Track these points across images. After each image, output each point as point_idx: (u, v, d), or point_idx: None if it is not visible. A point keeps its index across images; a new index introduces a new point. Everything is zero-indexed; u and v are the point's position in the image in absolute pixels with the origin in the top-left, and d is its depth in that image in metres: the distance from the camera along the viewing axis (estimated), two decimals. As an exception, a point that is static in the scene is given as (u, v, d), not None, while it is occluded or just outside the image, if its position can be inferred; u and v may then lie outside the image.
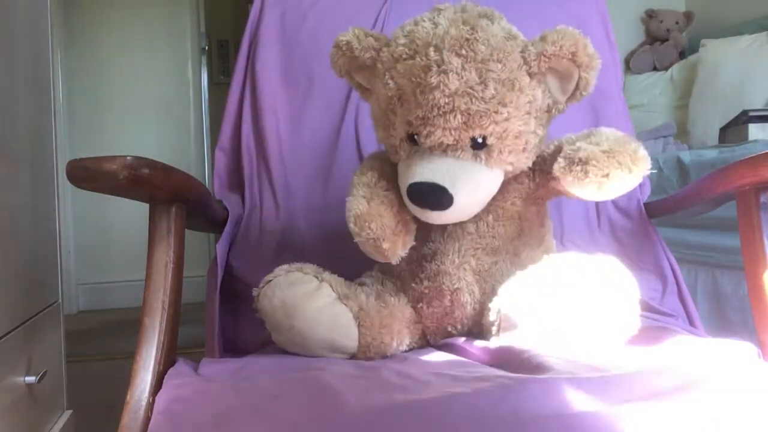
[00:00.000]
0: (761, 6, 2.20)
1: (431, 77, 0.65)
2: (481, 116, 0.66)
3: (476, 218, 0.74)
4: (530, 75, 0.67)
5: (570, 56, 0.66)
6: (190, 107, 3.13)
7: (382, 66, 0.71)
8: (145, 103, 3.02)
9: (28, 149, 1.03)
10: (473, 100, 0.65)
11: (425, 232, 0.76)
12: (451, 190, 0.66)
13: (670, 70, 2.43)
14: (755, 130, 1.63)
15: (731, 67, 2.04)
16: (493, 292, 0.71)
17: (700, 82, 2.15)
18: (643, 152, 0.64)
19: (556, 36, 0.66)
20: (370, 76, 0.76)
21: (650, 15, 2.59)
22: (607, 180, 0.63)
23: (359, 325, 0.72)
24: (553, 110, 0.72)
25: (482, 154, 0.68)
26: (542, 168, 0.75)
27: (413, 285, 0.78)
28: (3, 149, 0.90)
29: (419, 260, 0.77)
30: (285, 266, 0.75)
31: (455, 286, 0.74)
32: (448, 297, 0.75)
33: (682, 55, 2.49)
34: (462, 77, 0.64)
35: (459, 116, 0.65)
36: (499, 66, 0.65)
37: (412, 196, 0.68)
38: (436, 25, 0.68)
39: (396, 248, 0.70)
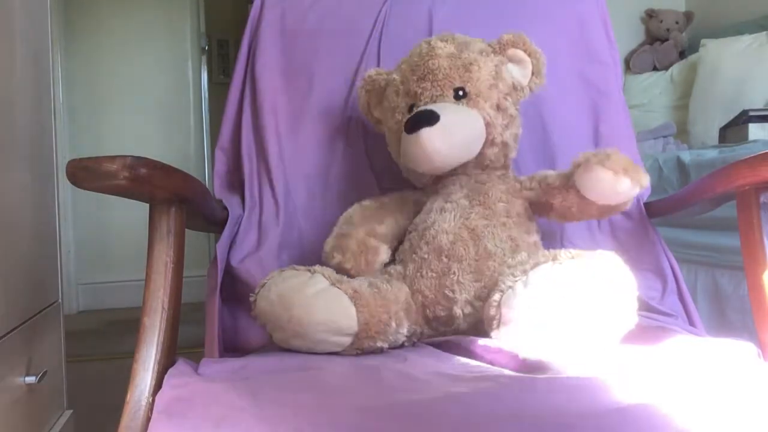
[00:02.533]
0: (761, 6, 2.21)
1: (423, 52, 0.88)
2: (459, 69, 0.86)
3: (469, 197, 0.85)
4: (494, 53, 0.89)
5: (521, 45, 0.89)
6: (190, 107, 3.13)
7: (392, 77, 0.92)
8: (145, 103, 3.03)
9: (28, 149, 1.03)
10: (453, 60, 0.86)
11: (425, 212, 0.87)
12: (438, 112, 0.80)
13: (670, 70, 2.44)
14: (755, 130, 1.63)
15: (731, 67, 2.04)
16: (486, 253, 0.79)
17: (700, 82, 2.15)
18: (646, 174, 0.78)
19: (511, 33, 0.90)
20: (384, 105, 0.94)
21: (650, 15, 2.59)
22: (624, 174, 0.75)
23: (356, 305, 0.73)
24: (519, 90, 0.89)
25: (464, 101, 0.85)
26: (540, 181, 0.86)
27: (414, 256, 0.83)
28: (3, 149, 0.90)
29: (421, 232, 0.84)
30: (277, 270, 0.78)
31: (451, 240, 0.81)
32: (446, 252, 0.80)
33: (682, 55, 2.49)
34: (445, 49, 0.87)
35: (443, 71, 0.85)
36: (471, 45, 0.88)
37: (407, 126, 0.81)
38: (428, 41, 0.90)
39: (359, 266, 0.85)
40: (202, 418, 0.53)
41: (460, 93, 0.85)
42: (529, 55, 0.88)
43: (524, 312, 0.66)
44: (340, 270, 0.83)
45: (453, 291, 0.78)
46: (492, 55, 0.88)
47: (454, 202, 0.85)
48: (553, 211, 0.86)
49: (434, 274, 0.80)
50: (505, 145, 0.87)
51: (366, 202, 0.93)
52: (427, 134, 0.79)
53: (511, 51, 0.89)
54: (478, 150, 0.85)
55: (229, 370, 0.67)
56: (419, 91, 0.86)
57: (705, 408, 0.53)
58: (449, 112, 0.82)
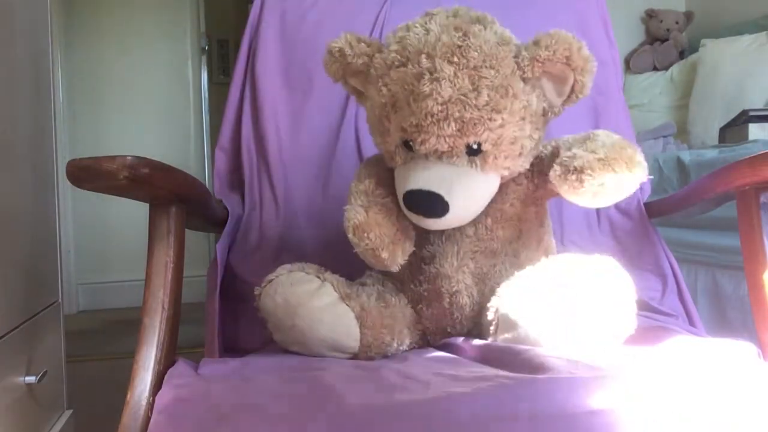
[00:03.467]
0: (761, 6, 2.20)
1: (424, 85, 0.65)
2: (475, 123, 0.65)
3: (475, 221, 0.74)
4: (524, 80, 0.67)
5: (564, 60, 0.65)
6: (190, 107, 3.13)
7: (375, 72, 0.71)
8: (145, 103, 3.02)
9: (28, 149, 1.03)
10: (467, 107, 0.64)
11: (424, 235, 0.76)
12: (446, 198, 0.66)
13: (670, 70, 2.44)
14: (755, 130, 1.63)
15: (731, 67, 2.04)
16: (492, 294, 0.71)
17: (700, 82, 2.15)
18: (639, 157, 0.63)
19: (550, 40, 0.65)
20: (364, 81, 0.76)
21: (650, 15, 2.59)
22: (603, 188, 0.62)
23: (361, 326, 0.71)
24: (549, 114, 0.71)
25: (477, 160, 0.68)
26: (540, 169, 0.75)
27: (412, 287, 0.78)
28: (3, 149, 0.90)
29: (418, 263, 0.77)
30: (287, 266, 0.75)
31: (454, 289, 0.74)
32: (447, 299, 0.75)
33: (682, 55, 2.49)
34: (455, 85, 0.64)
35: (453, 124, 0.65)
36: (492, 72, 0.65)
37: (409, 204, 0.68)
38: (428, 31, 0.67)
39: (395, 257, 0.70)
40: (202, 418, 0.53)
41: (474, 147, 0.67)
42: (574, 70, 0.66)
43: (522, 317, 0.66)
44: (368, 256, 0.70)
45: (455, 328, 0.77)
46: (521, 84, 0.66)
47: (458, 230, 0.74)
48: (548, 194, 0.77)
49: (434, 312, 0.76)
50: (520, 172, 0.75)
51: (373, 168, 0.78)
52: (432, 223, 0.69)
53: (549, 68, 0.66)
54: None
55: (229, 370, 0.67)
56: (419, 139, 0.67)
57: (705, 408, 0.53)
58: (460, 189, 0.67)
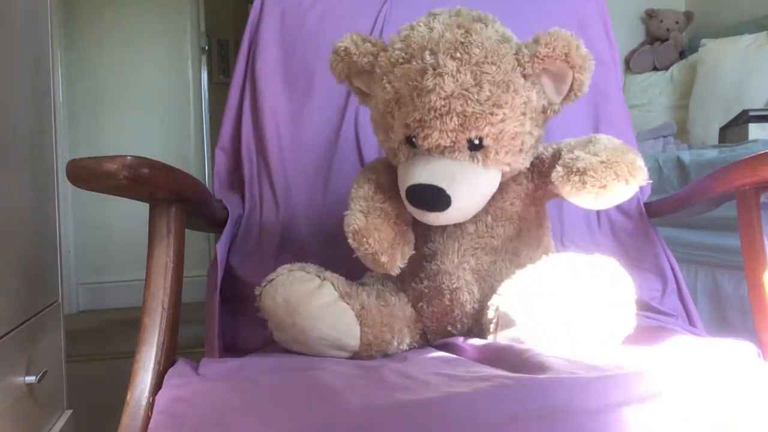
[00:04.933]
0: (761, 6, 2.20)
1: (427, 80, 0.66)
2: (476, 118, 0.66)
3: (475, 218, 0.75)
4: (524, 76, 0.68)
5: (563, 57, 0.67)
6: (190, 107, 3.13)
7: (380, 70, 0.73)
8: (145, 103, 3.02)
9: (28, 149, 1.03)
10: (469, 102, 0.66)
11: (425, 232, 0.77)
12: (448, 191, 0.67)
13: (670, 70, 2.43)
14: (755, 130, 1.63)
15: (731, 67, 2.04)
16: (492, 292, 0.71)
17: (700, 82, 2.15)
18: (640, 162, 0.65)
19: (549, 38, 0.67)
20: (368, 80, 0.77)
21: (650, 15, 2.59)
22: (604, 191, 0.63)
23: (361, 324, 0.72)
24: (549, 111, 0.72)
25: (479, 155, 0.69)
26: (541, 171, 0.76)
27: (413, 284, 0.78)
28: (3, 149, 0.90)
29: (419, 260, 0.77)
30: (287, 265, 0.75)
31: (454, 285, 0.75)
32: (448, 296, 0.75)
33: (682, 55, 2.49)
34: (457, 80, 0.66)
35: (455, 118, 0.66)
36: (494, 68, 0.66)
37: (411, 198, 0.69)
38: (431, 29, 0.69)
39: (394, 260, 0.71)
40: (202, 418, 0.53)
41: (476, 142, 0.68)
42: (573, 68, 0.67)
43: (522, 316, 0.66)
44: (369, 260, 0.72)
45: (455, 328, 0.77)
46: (522, 80, 0.68)
47: (459, 227, 0.76)
48: (547, 195, 0.78)
49: (435, 311, 0.77)
50: (521, 171, 0.76)
51: (373, 173, 0.79)
52: (434, 217, 0.69)
53: (548, 65, 0.68)
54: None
55: (229, 370, 0.67)
56: (422, 134, 0.69)
57: (705, 408, 0.53)
58: (462, 183, 0.68)
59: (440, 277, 0.75)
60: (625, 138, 1.14)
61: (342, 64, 0.76)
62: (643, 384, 0.55)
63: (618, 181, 0.63)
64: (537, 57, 0.67)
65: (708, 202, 0.87)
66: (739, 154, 1.40)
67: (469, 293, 0.75)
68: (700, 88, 2.14)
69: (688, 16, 2.55)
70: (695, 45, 2.32)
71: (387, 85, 0.71)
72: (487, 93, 0.66)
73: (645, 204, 1.08)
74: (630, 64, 2.55)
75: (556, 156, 0.72)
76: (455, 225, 0.75)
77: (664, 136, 2.03)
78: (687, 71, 2.32)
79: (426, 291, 0.76)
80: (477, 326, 0.76)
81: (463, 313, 0.75)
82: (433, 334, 0.79)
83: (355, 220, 0.71)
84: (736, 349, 0.67)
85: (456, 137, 0.67)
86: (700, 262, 1.53)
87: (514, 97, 0.67)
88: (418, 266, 0.77)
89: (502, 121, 0.67)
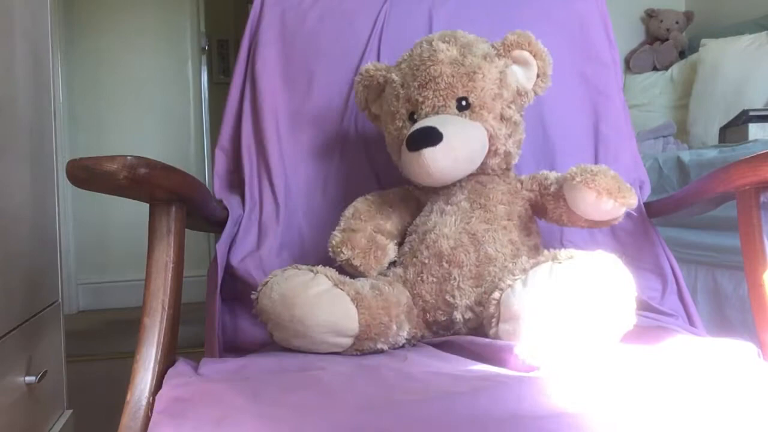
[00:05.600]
0: (761, 6, 2.21)
1: (424, 55, 0.84)
2: (462, 77, 0.82)
3: (470, 199, 0.84)
4: (498, 56, 0.86)
5: (527, 45, 0.85)
6: (190, 107, 3.13)
7: (390, 74, 0.89)
8: (145, 103, 3.03)
9: (28, 149, 1.03)
10: (456, 67, 0.83)
11: (426, 214, 0.87)
12: (440, 129, 0.78)
13: (670, 70, 2.44)
14: (755, 130, 1.63)
15: (731, 67, 2.04)
16: (487, 258, 0.79)
17: (700, 81, 2.15)
18: (635, 194, 0.77)
19: (515, 33, 0.86)
20: (382, 102, 0.92)
21: (650, 15, 2.59)
22: (607, 195, 0.74)
23: (357, 306, 0.73)
24: (523, 96, 0.87)
25: (466, 112, 0.83)
26: (541, 183, 0.86)
27: (414, 260, 0.82)
28: (3, 149, 0.90)
29: (421, 236, 0.84)
30: (279, 269, 0.77)
31: (452, 246, 0.80)
32: (446, 258, 0.80)
33: (682, 54, 2.49)
34: (447, 53, 0.84)
35: (446, 79, 0.82)
36: (475, 48, 0.85)
37: (409, 144, 0.79)
38: (429, 40, 0.86)
39: (368, 263, 0.84)
40: (202, 418, 0.53)
41: (463, 103, 0.83)
42: (535, 56, 0.85)
43: (523, 310, 0.66)
44: (347, 267, 0.84)
45: (453, 296, 0.78)
46: (496, 59, 0.85)
47: (455, 204, 0.84)
48: (547, 215, 0.87)
49: (435, 279, 0.80)
50: (507, 153, 0.86)
51: (370, 196, 0.92)
52: (429, 154, 0.77)
53: (516, 53, 0.85)
54: (481, 161, 0.84)
55: (229, 370, 0.67)
56: (420, 99, 0.84)
57: (705, 408, 0.53)
58: (452, 128, 0.79)
59: (439, 243, 0.81)
60: (625, 138, 1.15)
61: (363, 90, 0.94)
62: (644, 383, 0.55)
63: (620, 193, 0.75)
64: (505, 43, 0.86)
65: (708, 202, 0.87)
66: (739, 154, 1.40)
67: (466, 254, 0.79)
68: (700, 88, 2.14)
69: (688, 16, 2.56)
70: (695, 45, 2.32)
71: (395, 77, 0.88)
72: (470, 61, 0.83)
73: (645, 204, 1.08)
74: (630, 64, 2.55)
75: (563, 177, 0.82)
76: (451, 202, 0.84)
77: (664, 136, 2.04)
78: (687, 71, 2.32)
79: (426, 261, 0.81)
80: (477, 321, 0.76)
81: (461, 275, 0.78)
82: (433, 311, 0.80)
83: (333, 236, 0.86)
84: (736, 349, 0.67)
85: (446, 95, 0.83)
86: (700, 262, 1.54)
87: (491, 67, 0.84)
88: (420, 242, 0.83)
89: (483, 80, 0.83)
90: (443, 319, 0.79)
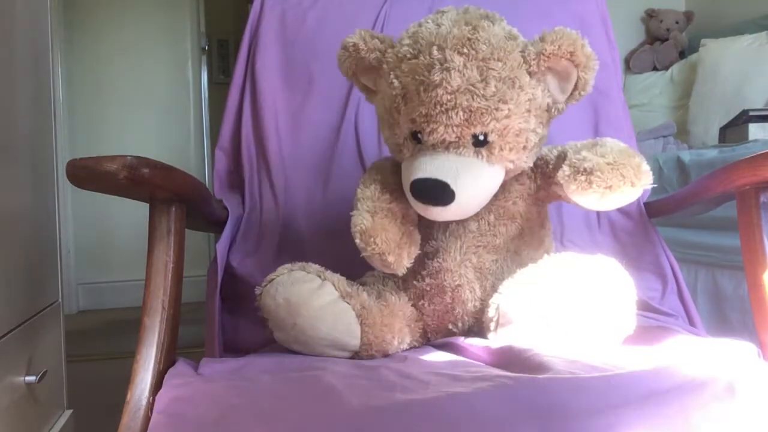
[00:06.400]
0: (761, 6, 2.20)
1: (434, 75, 0.67)
2: (482, 113, 0.67)
3: (478, 217, 0.75)
4: (530, 74, 0.69)
5: (568, 56, 0.68)
6: (190, 107, 3.13)
7: (387, 66, 0.73)
8: (145, 103, 3.02)
9: (28, 149, 1.03)
10: (475, 97, 0.66)
11: (428, 230, 0.77)
12: (453, 186, 0.67)
13: (670, 70, 2.43)
14: (755, 130, 1.63)
15: (731, 67, 2.04)
16: (494, 290, 0.72)
17: (700, 81, 2.15)
18: (645, 167, 0.65)
19: (555, 36, 0.68)
20: (375, 77, 0.77)
21: (650, 15, 2.59)
22: (610, 192, 0.64)
23: (362, 323, 0.72)
24: (553, 110, 0.73)
25: (483, 151, 0.70)
26: (544, 172, 0.77)
27: (415, 282, 0.78)
28: (3, 149, 0.90)
29: (421, 258, 0.77)
30: (288, 265, 0.75)
31: (456, 283, 0.75)
32: (449, 294, 0.75)
33: (682, 54, 2.49)
34: (464, 75, 0.66)
35: (461, 113, 0.67)
36: (500, 64, 0.67)
37: (415, 193, 0.69)
38: (439, 25, 0.69)
39: (401, 260, 0.71)
40: (202, 418, 0.53)
41: (481, 138, 0.69)
42: (577, 66, 0.68)
43: (523, 314, 0.66)
44: (375, 260, 0.71)
45: (456, 326, 0.77)
46: (528, 77, 0.68)
47: (461, 224, 0.76)
48: (562, 198, 0.77)
49: (436, 308, 0.77)
50: (524, 171, 0.77)
51: (386, 165, 0.80)
52: (438, 212, 0.69)
53: (553, 64, 0.69)
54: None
55: (229, 370, 0.67)
56: (428, 130, 0.69)
57: (705, 408, 0.53)
58: (465, 179, 0.68)
59: (442, 274, 0.75)
60: (625, 138, 1.15)
61: (350, 60, 0.77)
62: (643, 384, 0.55)
63: (624, 183, 0.63)
64: (543, 54, 0.68)
65: (708, 202, 0.87)
66: (739, 154, 1.40)
67: (471, 291, 0.75)
68: (700, 88, 2.14)
69: (688, 16, 2.55)
70: (695, 45, 2.32)
71: (394, 80, 0.71)
72: (493, 89, 0.66)
73: (645, 204, 1.08)
74: (630, 64, 2.55)
75: (561, 157, 0.72)
76: (457, 223, 0.76)
77: (664, 136, 2.03)
78: (687, 71, 2.32)
79: (428, 289, 0.76)
80: (477, 325, 0.76)
81: (464, 311, 0.75)
82: (434, 333, 0.79)
83: (362, 220, 0.71)
84: (736, 349, 0.67)
85: (461, 132, 0.68)
86: (700, 262, 1.53)
87: (519, 94, 0.68)
88: (420, 264, 0.77)
89: (507, 117, 0.68)
90: (443, 338, 0.79)
